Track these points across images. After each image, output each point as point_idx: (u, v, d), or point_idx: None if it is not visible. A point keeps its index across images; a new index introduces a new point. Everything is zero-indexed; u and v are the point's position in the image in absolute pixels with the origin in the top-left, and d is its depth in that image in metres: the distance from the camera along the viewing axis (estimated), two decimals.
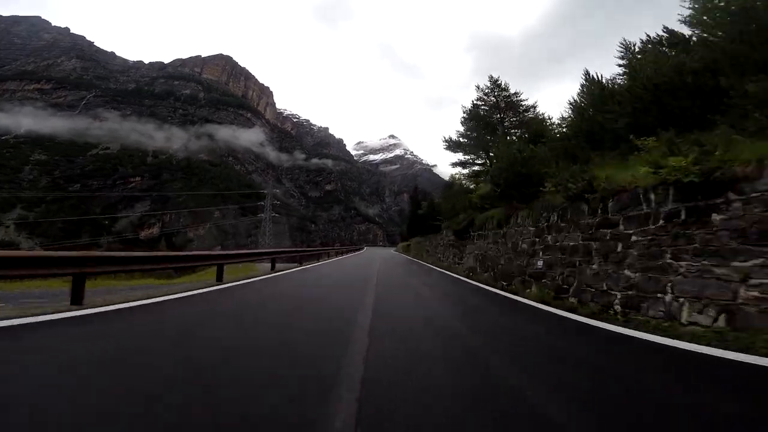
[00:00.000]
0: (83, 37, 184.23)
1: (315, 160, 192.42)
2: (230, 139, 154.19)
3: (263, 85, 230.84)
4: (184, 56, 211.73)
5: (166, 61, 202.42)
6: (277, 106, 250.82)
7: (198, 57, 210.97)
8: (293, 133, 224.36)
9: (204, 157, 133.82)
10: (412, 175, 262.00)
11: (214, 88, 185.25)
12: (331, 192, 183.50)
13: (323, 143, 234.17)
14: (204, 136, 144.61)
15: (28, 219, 73.79)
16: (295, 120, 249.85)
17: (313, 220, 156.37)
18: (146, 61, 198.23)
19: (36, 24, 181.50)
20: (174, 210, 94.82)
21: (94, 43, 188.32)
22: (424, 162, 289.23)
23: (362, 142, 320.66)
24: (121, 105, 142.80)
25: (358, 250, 58.20)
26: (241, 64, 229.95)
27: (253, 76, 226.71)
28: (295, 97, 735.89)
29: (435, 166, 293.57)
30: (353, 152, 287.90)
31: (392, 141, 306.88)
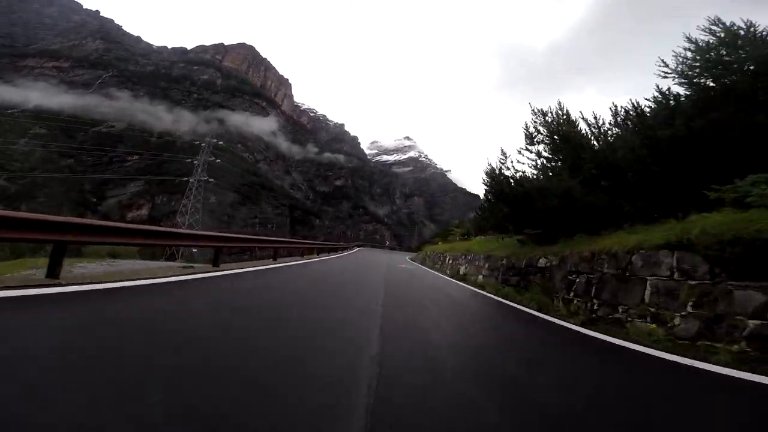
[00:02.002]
0: (112, 21, 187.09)
1: (327, 154, 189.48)
2: (242, 125, 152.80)
3: (282, 76, 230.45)
4: (208, 44, 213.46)
5: (189, 47, 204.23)
6: (296, 99, 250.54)
7: (221, 45, 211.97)
8: (308, 127, 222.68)
9: (211, 140, 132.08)
10: (425, 179, 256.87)
11: (233, 76, 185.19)
12: (340, 188, 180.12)
13: (338, 139, 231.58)
14: (214, 121, 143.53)
15: (10, 190, 72.52)
16: (312, 114, 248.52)
17: (318, 214, 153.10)
18: (170, 47, 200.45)
19: (67, 5, 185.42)
20: (168, 192, 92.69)
21: (122, 27, 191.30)
22: (437, 166, 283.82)
23: (377, 142, 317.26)
24: (136, 86, 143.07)
25: (345, 250, 36.57)
26: (263, 54, 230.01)
27: (273, 68, 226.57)
28: (314, 91, 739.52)
29: (449, 171, 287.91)
30: (367, 151, 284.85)
31: (407, 143, 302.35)
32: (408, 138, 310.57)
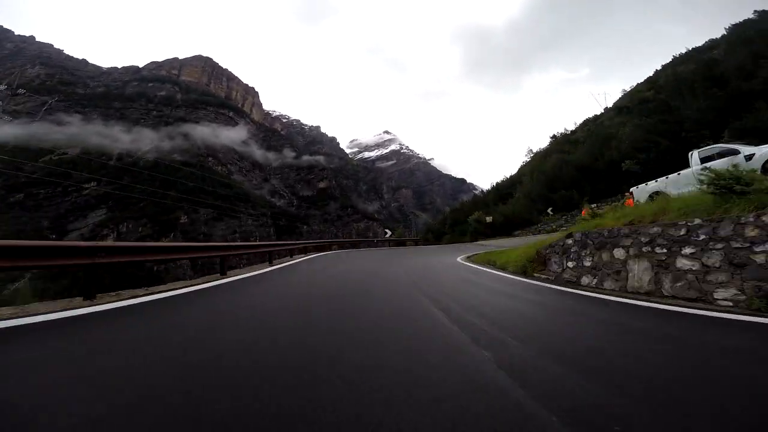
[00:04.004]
0: (51, 45, 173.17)
1: (306, 157, 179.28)
2: (209, 137, 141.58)
3: (247, 85, 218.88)
4: (161, 59, 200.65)
5: (141, 65, 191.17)
6: (266, 107, 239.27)
7: (175, 59, 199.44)
8: (283, 133, 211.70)
9: (177, 158, 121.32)
10: (409, 169, 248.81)
11: (193, 89, 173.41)
12: (325, 189, 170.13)
13: (315, 142, 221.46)
14: (179, 136, 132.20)
15: None
16: (284, 120, 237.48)
17: (305, 220, 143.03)
18: (120, 67, 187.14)
19: None
20: (133, 218, 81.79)
21: (64, 51, 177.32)
22: (420, 156, 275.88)
23: (356, 140, 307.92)
24: (86, 109, 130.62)
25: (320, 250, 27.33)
26: (223, 65, 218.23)
27: (237, 77, 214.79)
28: (284, 98, 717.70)
29: (432, 159, 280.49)
30: (347, 150, 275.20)
31: (387, 137, 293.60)
32: (387, 132, 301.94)
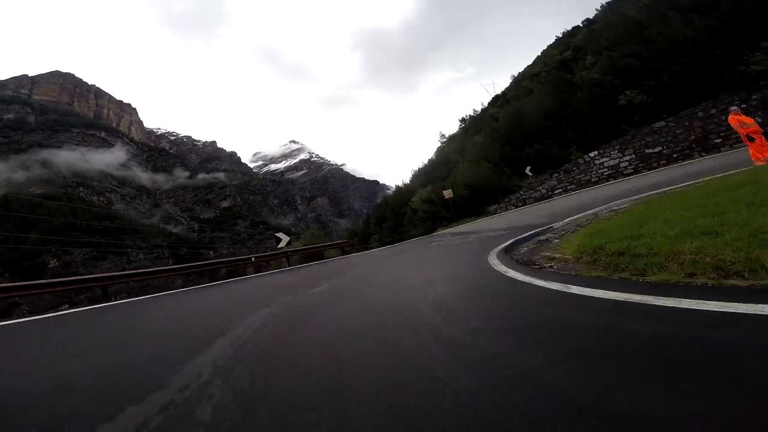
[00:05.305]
0: None
1: (203, 176, 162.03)
2: (77, 163, 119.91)
3: (122, 102, 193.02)
4: (5, 77, 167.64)
5: None
6: (149, 125, 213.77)
7: (24, 76, 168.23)
8: (172, 152, 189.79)
9: (35, 191, 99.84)
10: (322, 177, 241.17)
11: (51, 110, 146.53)
12: (230, 209, 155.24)
13: (212, 158, 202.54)
14: (36, 165, 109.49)
15: None
16: (173, 138, 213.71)
17: (211, 244, 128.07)
18: None
19: None
20: None
21: None
22: (332, 162, 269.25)
23: (260, 152, 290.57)
24: None
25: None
26: (90, 81, 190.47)
27: (107, 94, 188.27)
28: (172, 114, 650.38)
29: (344, 164, 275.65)
30: (251, 164, 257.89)
31: (294, 146, 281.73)
32: (294, 142, 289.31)
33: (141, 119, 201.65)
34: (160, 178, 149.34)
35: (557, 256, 4.91)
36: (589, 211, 8.92)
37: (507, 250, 6.60)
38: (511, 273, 4.30)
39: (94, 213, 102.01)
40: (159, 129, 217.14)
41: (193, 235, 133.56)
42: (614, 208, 8.29)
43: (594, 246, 4.17)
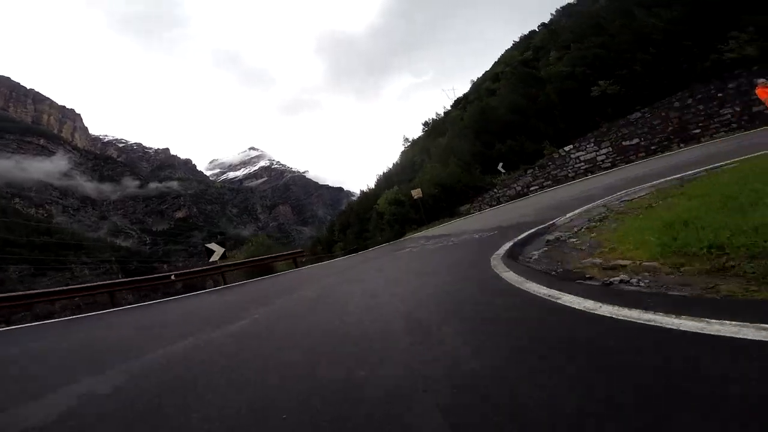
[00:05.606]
0: None
1: (155, 185, 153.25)
2: (12, 172, 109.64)
3: (65, 107, 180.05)
4: None
5: None
6: (95, 132, 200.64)
7: None
8: (120, 160, 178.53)
9: None
10: (284, 185, 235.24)
11: None
12: (185, 219, 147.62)
13: (164, 166, 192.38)
14: None
15: None
16: (121, 145, 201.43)
17: (165, 257, 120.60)
18: None
19: None
20: None
21: None
22: (294, 169, 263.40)
23: (217, 160, 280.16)
24: None
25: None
26: (28, 85, 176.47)
27: (48, 98, 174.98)
28: (121, 120, 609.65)
29: (306, 171, 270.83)
30: (208, 172, 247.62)
31: (254, 153, 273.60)
32: (254, 148, 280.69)
33: (86, 125, 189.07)
34: (107, 188, 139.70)
35: (622, 263, 3.31)
36: (581, 209, 7.59)
37: (511, 255, 5.03)
38: (559, 297, 2.63)
39: (32, 226, 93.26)
40: (106, 136, 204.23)
41: (144, 249, 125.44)
42: (625, 199, 7.01)
43: (706, 242, 2.65)
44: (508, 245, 5.83)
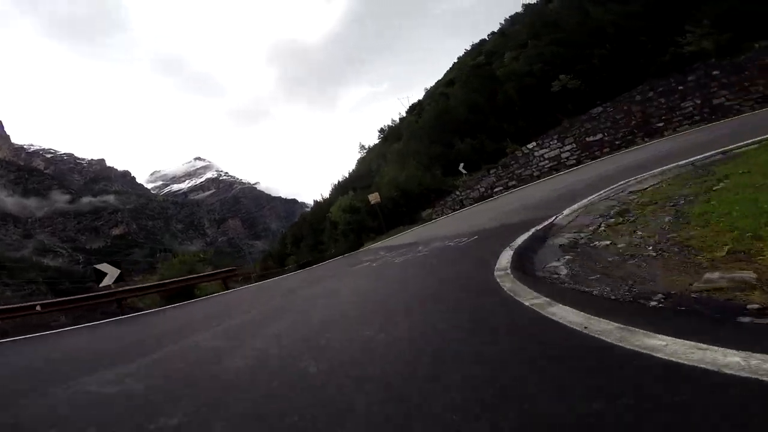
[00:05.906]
0: None
1: (89, 199, 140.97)
2: None
3: None
4: None
5: None
6: (19, 141, 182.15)
7: None
8: (48, 172, 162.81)
9: None
10: (233, 197, 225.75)
11: None
12: (123, 236, 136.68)
13: (99, 178, 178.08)
14: None
15: None
16: (49, 155, 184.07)
17: (99, 278, 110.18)
18: None
19: None
20: None
21: None
22: (244, 181, 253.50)
23: (159, 171, 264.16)
24: None
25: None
26: None
27: None
28: (49, 129, 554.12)
29: (258, 183, 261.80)
30: (149, 185, 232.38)
31: (200, 164, 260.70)
32: (199, 158, 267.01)
33: (8, 134, 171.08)
34: (32, 203, 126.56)
35: None
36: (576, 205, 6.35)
37: (520, 267, 3.60)
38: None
39: None
40: (32, 145, 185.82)
41: (78, 268, 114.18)
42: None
43: None
44: (508, 254, 4.35)
